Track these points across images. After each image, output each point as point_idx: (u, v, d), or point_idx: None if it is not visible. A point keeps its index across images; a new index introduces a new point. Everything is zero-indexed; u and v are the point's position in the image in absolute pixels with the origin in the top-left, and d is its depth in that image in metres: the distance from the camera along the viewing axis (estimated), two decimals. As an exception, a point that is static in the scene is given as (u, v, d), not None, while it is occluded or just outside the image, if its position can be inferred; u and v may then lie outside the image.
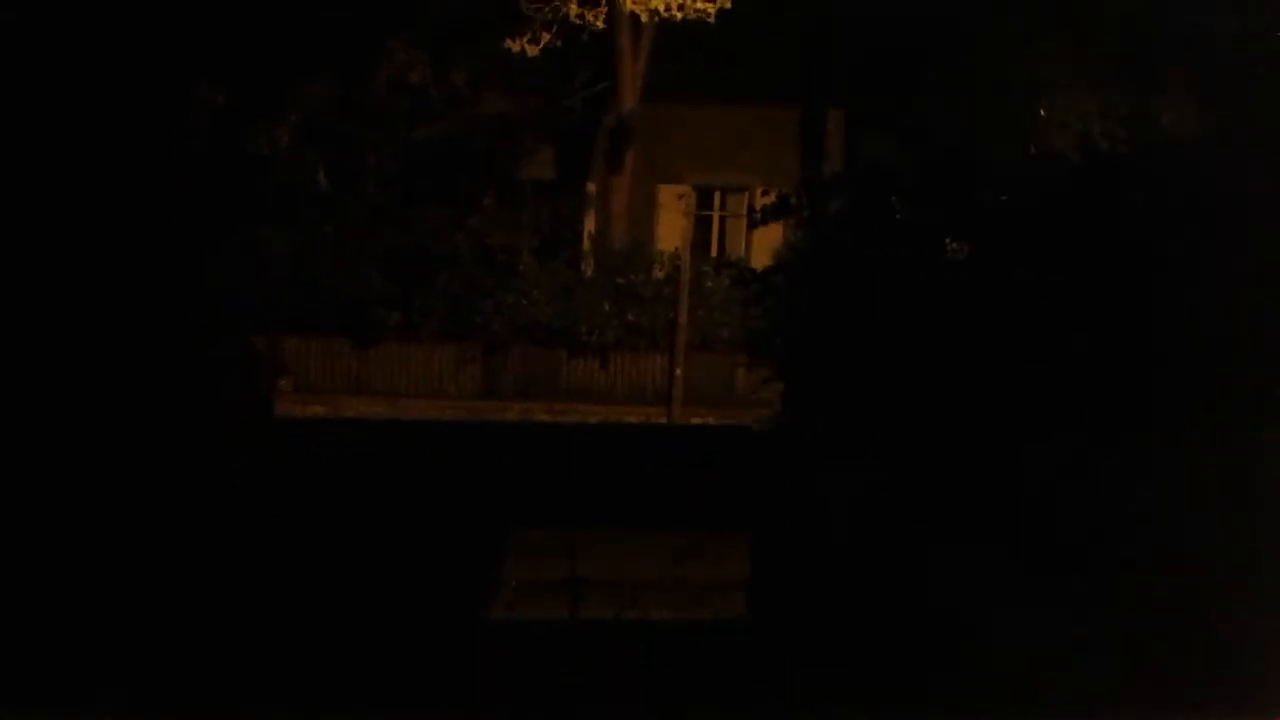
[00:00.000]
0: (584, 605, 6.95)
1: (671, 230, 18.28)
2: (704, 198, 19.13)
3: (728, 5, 15.72)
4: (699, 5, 15.68)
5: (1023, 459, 5.92)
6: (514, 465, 8.33)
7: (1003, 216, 7.03)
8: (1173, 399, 5.78)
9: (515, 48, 16.13)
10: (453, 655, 6.27)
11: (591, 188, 18.77)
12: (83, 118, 6.98)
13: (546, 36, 16.14)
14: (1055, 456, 5.80)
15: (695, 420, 15.59)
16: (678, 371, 16.38)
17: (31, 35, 6.75)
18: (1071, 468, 5.74)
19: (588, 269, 17.70)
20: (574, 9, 16.00)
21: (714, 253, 18.85)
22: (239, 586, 6.36)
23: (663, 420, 15.87)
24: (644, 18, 16.54)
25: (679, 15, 15.84)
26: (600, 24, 16.25)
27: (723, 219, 19.44)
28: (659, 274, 17.32)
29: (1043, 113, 8.19)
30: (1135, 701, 4.40)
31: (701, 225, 18.99)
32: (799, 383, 7.23)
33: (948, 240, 6.93)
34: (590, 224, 18.61)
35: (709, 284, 16.72)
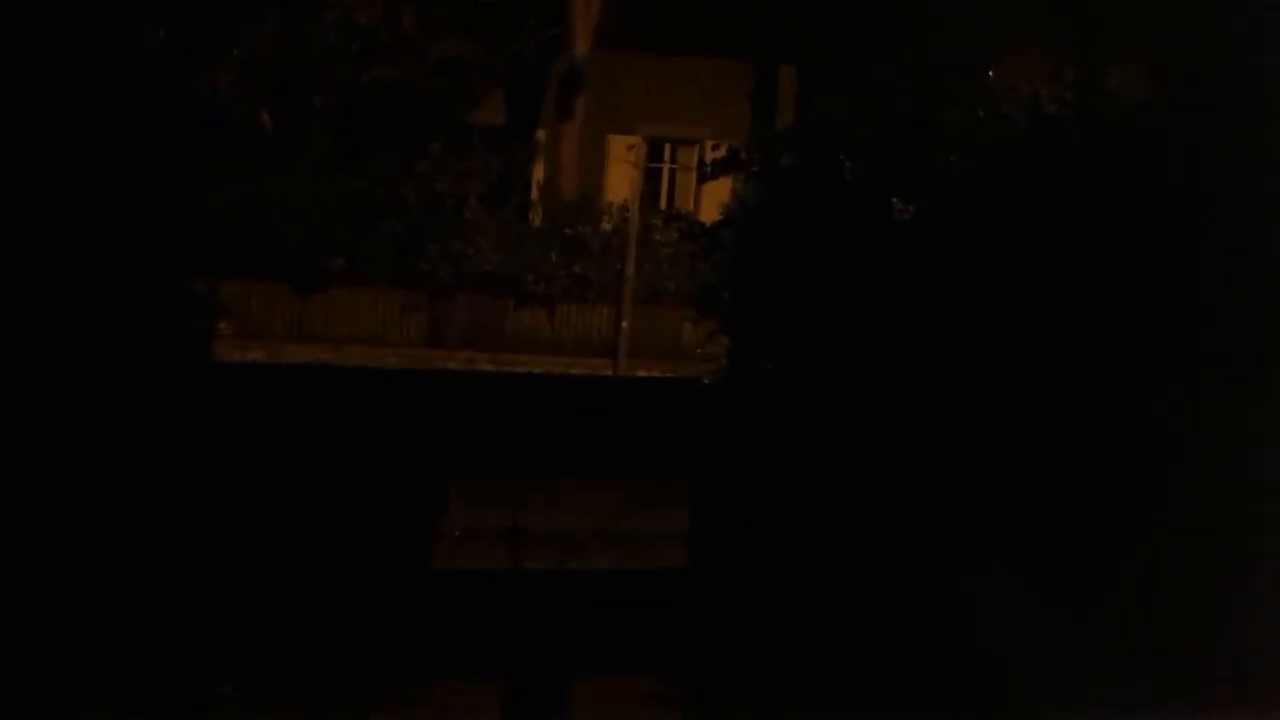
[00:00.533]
0: (527, 555, 6.98)
1: (621, 181, 18.19)
2: (654, 150, 19.04)
3: (683, -46, 15.55)
4: (654, -47, 15.48)
5: (965, 412, 6.00)
6: (457, 414, 8.30)
7: (950, 177, 7.07)
8: (1115, 360, 5.87)
9: (466, -10, 15.85)
10: (393, 605, 6.27)
11: (541, 135, 18.59)
12: (23, 46, 6.76)
13: (498, -21, 15.88)
14: (998, 412, 5.88)
15: (641, 373, 15.64)
16: (624, 324, 16.37)
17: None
18: (1012, 421, 5.83)
19: (536, 218, 17.58)
20: (527, -48, 15.76)
21: (663, 205, 18.81)
22: (168, 537, 6.28)
23: (608, 372, 15.88)
24: (599, -37, 16.32)
25: (634, -38, 15.64)
26: (553, -32, 16.02)
27: (673, 172, 19.38)
28: (607, 225, 17.25)
29: (991, 74, 8.22)
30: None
31: (651, 177, 18.92)
32: (745, 337, 7.26)
33: (895, 200, 6.97)
34: (539, 173, 18.46)
35: (657, 237, 16.69)
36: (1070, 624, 4.98)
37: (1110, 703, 4.46)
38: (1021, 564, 5.18)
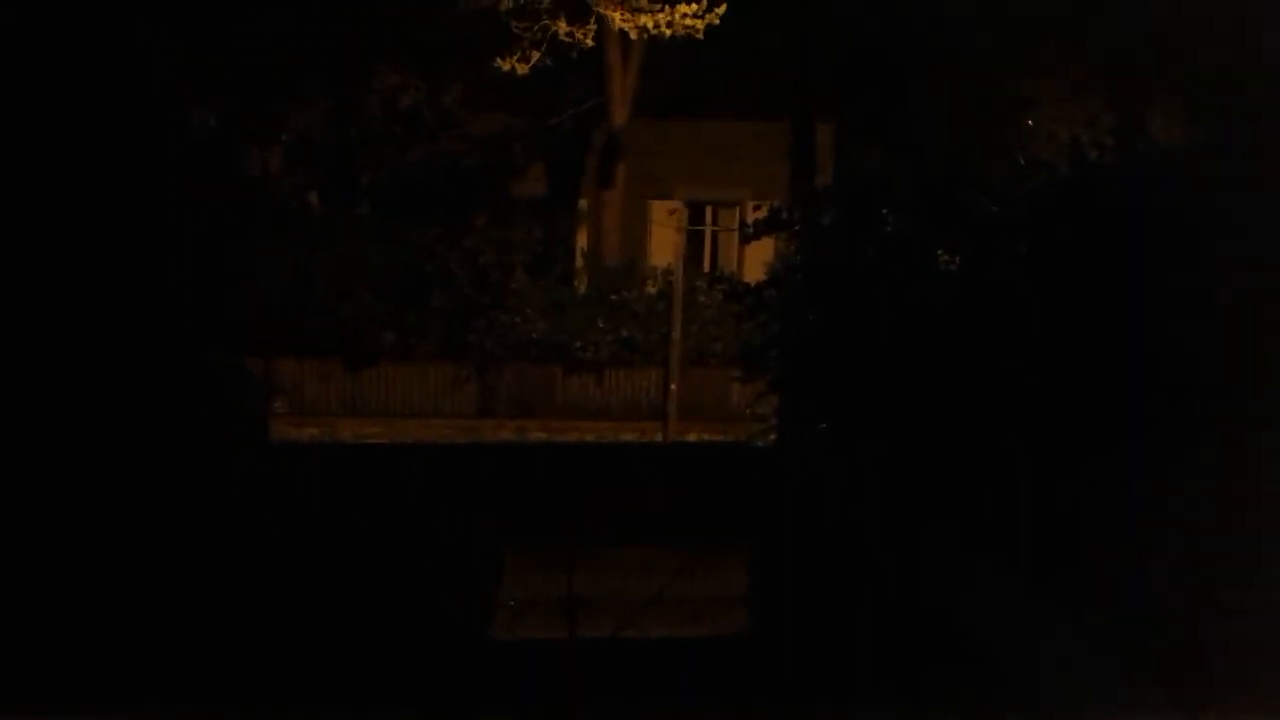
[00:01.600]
0: (583, 624, 6.95)
1: (664, 245, 18.32)
2: (695, 213, 19.17)
3: (716, 22, 15.80)
4: (688, 22, 15.74)
5: (1021, 466, 5.94)
6: (511, 485, 8.33)
7: (992, 227, 7.07)
8: (1167, 403, 5.80)
9: (505, 67, 16.18)
10: (455, 675, 6.26)
11: (583, 204, 18.81)
12: (83, 142, 7.01)
13: (536, 55, 16.19)
14: (1052, 463, 5.82)
15: (691, 436, 15.60)
16: (673, 387, 16.38)
17: (34, 60, 6.79)
18: (1068, 473, 5.76)
19: (581, 285, 17.72)
20: (563, 27, 16.06)
21: (707, 267, 18.90)
22: (235, 607, 6.35)
23: (658, 436, 15.87)
24: (633, 35, 16.60)
25: (668, 32, 15.91)
26: (589, 42, 16.32)
27: (715, 233, 19.49)
28: (652, 289, 17.35)
29: (1030, 123, 8.26)
30: (1136, 701, 4.42)
31: (694, 240, 19.02)
32: (795, 395, 7.25)
33: (939, 251, 6.97)
34: (583, 240, 18.64)
35: (702, 299, 16.75)
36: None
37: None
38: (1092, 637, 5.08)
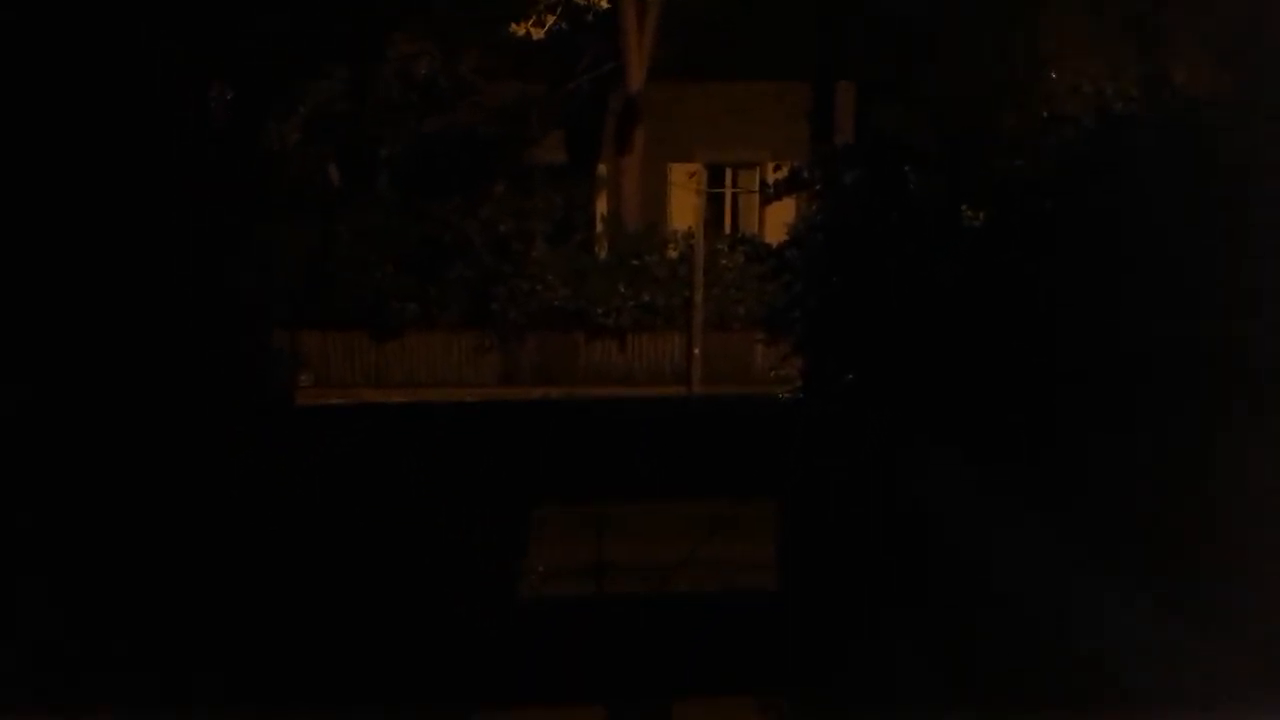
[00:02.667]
0: (613, 581, 7.00)
1: (684, 209, 18.26)
2: (715, 175, 19.08)
3: (732, -19, 15.64)
4: (703, -19, 15.59)
5: (1051, 421, 5.91)
6: (535, 442, 8.36)
7: (1017, 183, 7.01)
8: (1199, 360, 5.75)
9: (520, 32, 16.10)
10: (483, 634, 6.32)
11: (602, 170, 18.75)
12: (98, 119, 7.03)
13: (551, 19, 16.11)
14: (1083, 417, 5.79)
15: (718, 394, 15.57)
16: (696, 350, 16.38)
17: (46, 37, 6.80)
18: (1100, 427, 5.73)
19: (601, 251, 17.70)
20: (578, -10, 15.96)
21: (727, 230, 18.83)
22: (265, 576, 6.42)
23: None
24: (648, -4, 16.47)
25: (683, -8, 15.77)
26: (604, 3, 16.20)
27: (735, 195, 19.39)
28: (673, 253, 17.31)
29: (1054, 75, 8.14)
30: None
31: (714, 203, 18.95)
32: (819, 355, 7.23)
33: (964, 208, 6.91)
34: (602, 206, 18.60)
35: (724, 261, 16.70)
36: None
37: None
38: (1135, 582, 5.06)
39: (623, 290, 16.90)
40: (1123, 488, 5.38)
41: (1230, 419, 5.11)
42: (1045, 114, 7.27)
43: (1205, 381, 5.34)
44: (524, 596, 7.00)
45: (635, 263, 17.08)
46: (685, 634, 6.46)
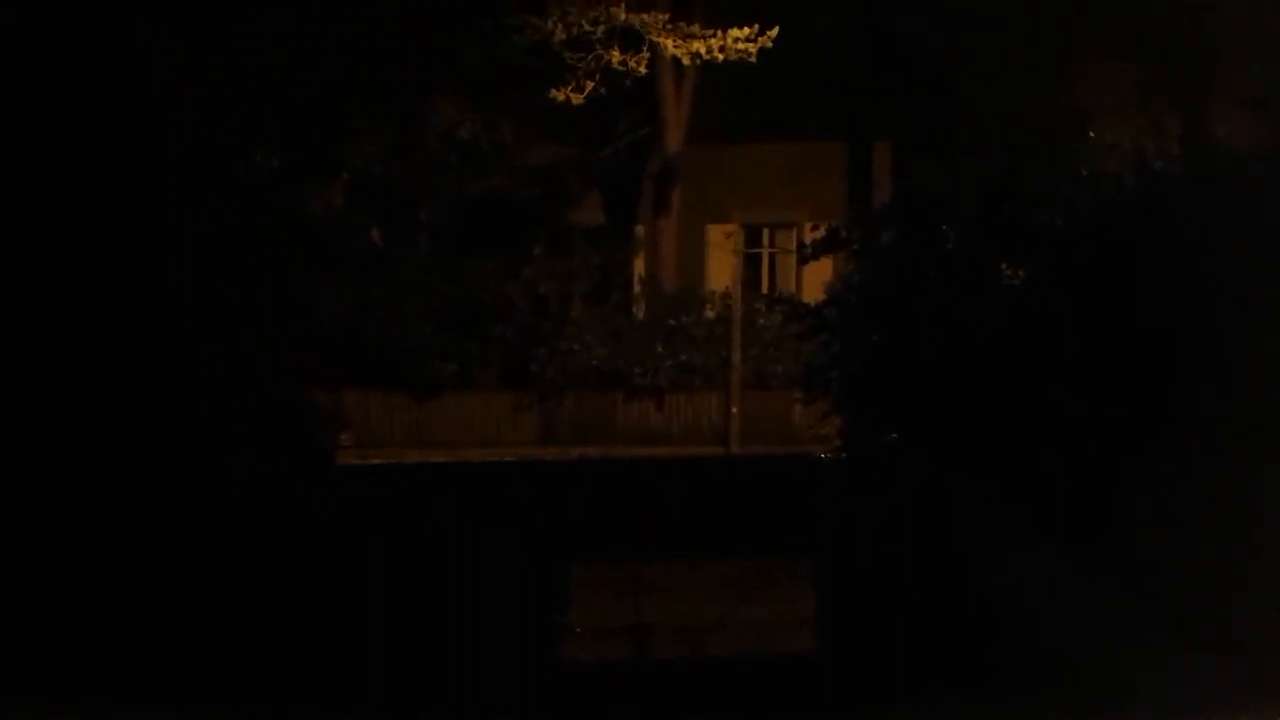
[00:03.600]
0: (650, 645, 6.93)
1: (721, 269, 18.32)
2: (752, 235, 19.16)
3: (769, 45, 15.81)
4: (740, 46, 15.78)
5: (1091, 478, 5.83)
6: (575, 501, 8.34)
7: (1056, 239, 6.98)
8: (1236, 414, 5.67)
9: (560, 97, 16.33)
10: (523, 696, 6.27)
11: (640, 231, 18.88)
12: (152, 186, 7.20)
13: (590, 85, 16.32)
14: (1124, 475, 5.71)
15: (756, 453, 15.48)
16: (734, 410, 16.33)
17: (103, 108, 7.00)
18: (1142, 486, 5.65)
19: (639, 312, 17.77)
20: (616, 56, 16.17)
21: (765, 289, 18.85)
22: (302, 633, 6.41)
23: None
24: (686, 61, 16.67)
25: (721, 57, 15.95)
26: (642, 70, 16.40)
27: (772, 255, 19.45)
28: (710, 313, 17.35)
29: (1092, 134, 8.16)
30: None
31: (751, 263, 19.01)
32: (859, 413, 7.19)
33: (1003, 266, 6.89)
34: (640, 267, 18.70)
35: (761, 321, 16.70)
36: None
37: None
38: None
39: (660, 350, 16.93)
40: (1170, 538, 5.29)
41: (1265, 469, 5.04)
42: (1084, 171, 7.26)
43: (1244, 430, 5.27)
44: (562, 657, 6.94)
45: (673, 323, 17.13)
46: (724, 699, 6.37)
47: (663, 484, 8.91)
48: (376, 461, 14.70)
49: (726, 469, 12.40)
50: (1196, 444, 5.66)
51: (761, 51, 15.74)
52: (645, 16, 15.89)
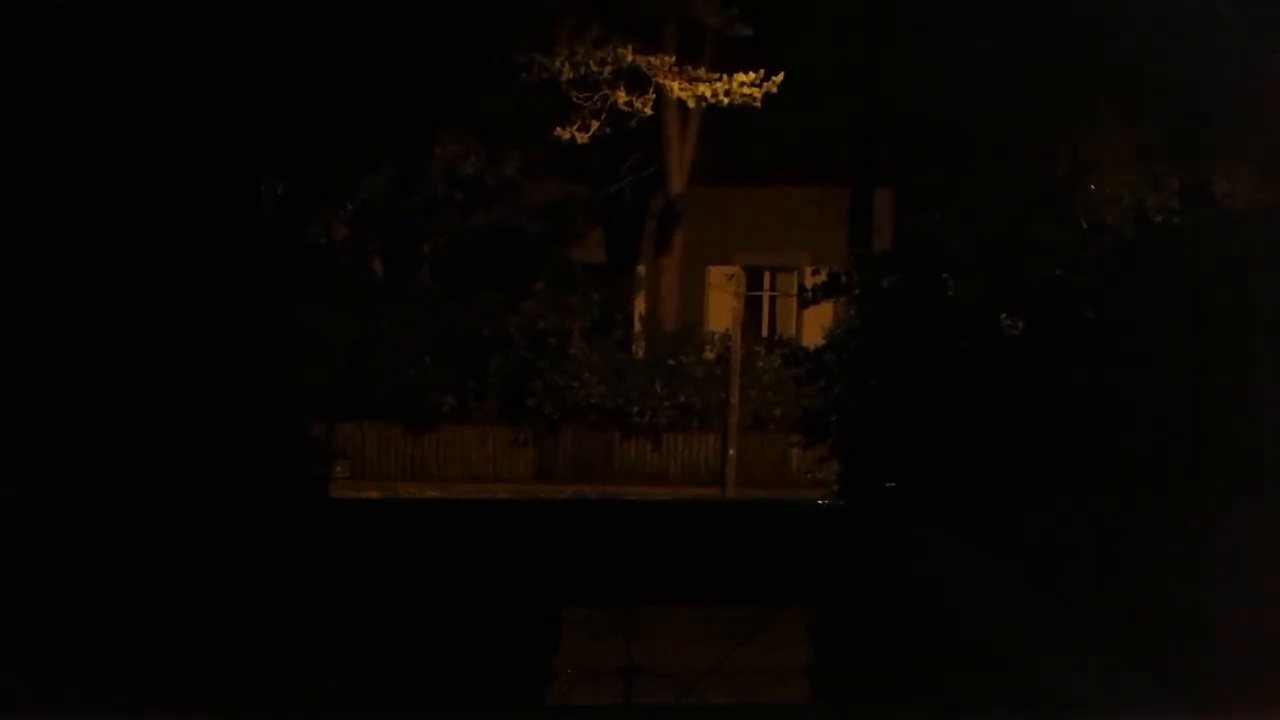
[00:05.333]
0: (642, 688, 6.86)
1: (722, 310, 18.36)
2: (754, 278, 19.22)
3: (774, 90, 15.94)
4: (745, 90, 15.92)
5: (1091, 529, 5.81)
6: (567, 542, 8.30)
7: (1056, 290, 7.01)
8: (1237, 466, 5.67)
9: (565, 136, 16.44)
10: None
11: (641, 270, 18.94)
12: (150, 213, 7.23)
13: (595, 124, 16.44)
14: (1123, 525, 5.69)
15: (752, 497, 15.43)
16: (731, 452, 16.30)
17: (108, 134, 7.04)
18: (1144, 537, 5.63)
19: (639, 350, 17.78)
20: (622, 97, 16.31)
21: (765, 332, 18.88)
22: (286, 671, 6.35)
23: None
24: (691, 103, 16.81)
25: (726, 101, 16.09)
26: (648, 111, 16.54)
27: (773, 298, 19.49)
28: (710, 354, 17.36)
29: (1093, 187, 8.20)
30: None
31: (752, 305, 19.05)
32: (857, 459, 7.18)
33: (1002, 315, 6.91)
34: (640, 306, 18.74)
35: (761, 363, 16.71)
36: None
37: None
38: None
39: (659, 389, 16.92)
40: (1157, 592, 5.27)
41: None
42: (1085, 224, 7.30)
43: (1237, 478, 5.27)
44: (550, 699, 6.87)
45: (672, 362, 17.13)
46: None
47: (657, 526, 8.87)
48: (371, 494, 14.63)
49: (723, 512, 12.35)
50: (1198, 490, 5.65)
51: (766, 96, 15.88)
52: (652, 59, 16.04)
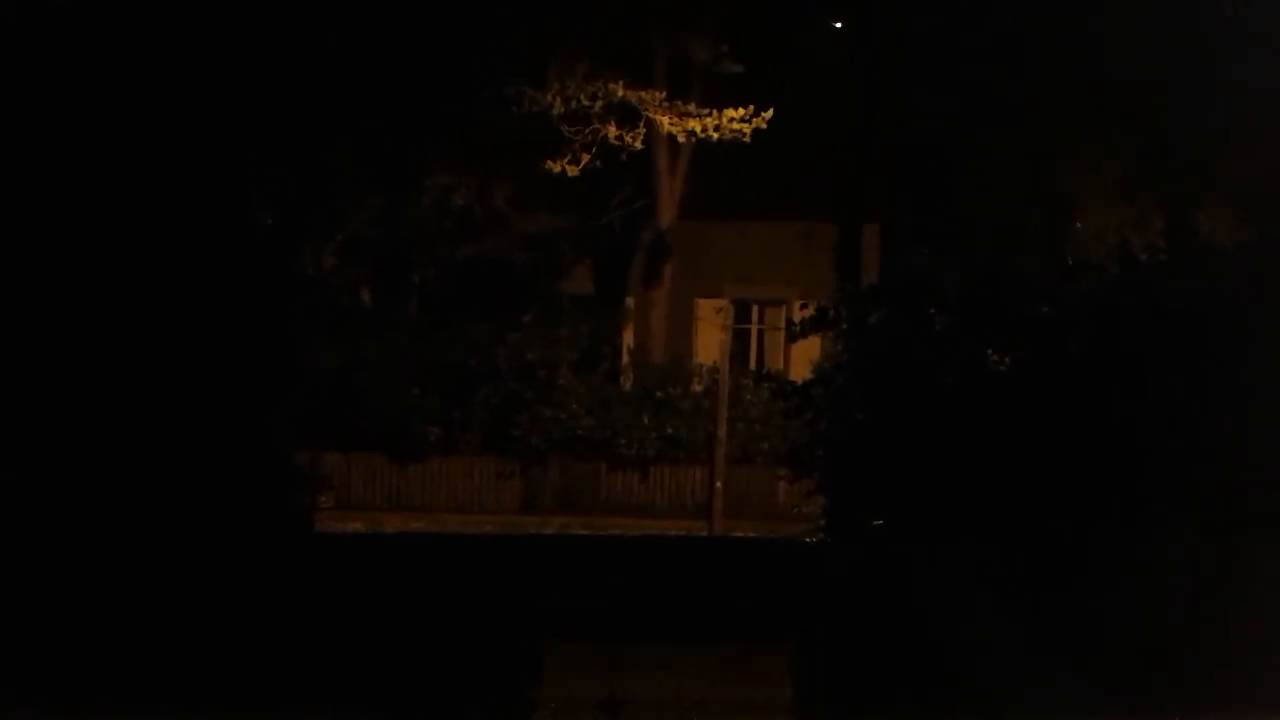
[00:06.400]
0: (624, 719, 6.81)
1: (710, 343, 18.38)
2: (742, 311, 19.27)
3: (764, 126, 16.06)
4: (735, 126, 16.04)
5: (1079, 565, 5.81)
6: (551, 577, 8.25)
7: (1042, 326, 7.04)
8: (1222, 502, 5.68)
9: (555, 169, 16.51)
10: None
11: (630, 302, 18.98)
12: (146, 240, 7.21)
13: (586, 157, 16.53)
14: (1114, 563, 5.69)
15: (738, 534, 15.42)
16: (718, 484, 16.28)
17: (99, 159, 7.04)
18: (1135, 574, 5.63)
19: (626, 382, 17.79)
20: (613, 131, 16.41)
21: (753, 365, 18.90)
22: (273, 700, 6.29)
23: (703, 534, 15.70)
24: (681, 138, 16.92)
25: (715, 135, 16.20)
26: (638, 145, 16.64)
27: (761, 332, 19.54)
28: (698, 387, 17.37)
29: (1079, 225, 8.27)
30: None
31: (740, 338, 19.08)
32: (843, 494, 7.17)
33: (989, 351, 6.93)
34: (629, 338, 18.76)
35: (748, 397, 16.72)
36: None
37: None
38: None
39: (646, 422, 16.92)
40: (1153, 629, 5.26)
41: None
42: (1070, 261, 7.34)
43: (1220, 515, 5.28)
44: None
45: (660, 395, 17.14)
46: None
47: (643, 561, 8.83)
48: (356, 527, 14.54)
49: (708, 548, 12.31)
50: (1190, 524, 5.66)
51: (755, 132, 15.99)
52: (643, 93, 16.15)
